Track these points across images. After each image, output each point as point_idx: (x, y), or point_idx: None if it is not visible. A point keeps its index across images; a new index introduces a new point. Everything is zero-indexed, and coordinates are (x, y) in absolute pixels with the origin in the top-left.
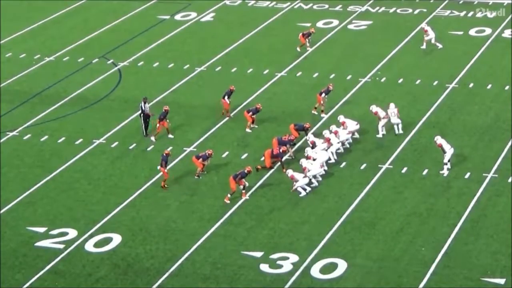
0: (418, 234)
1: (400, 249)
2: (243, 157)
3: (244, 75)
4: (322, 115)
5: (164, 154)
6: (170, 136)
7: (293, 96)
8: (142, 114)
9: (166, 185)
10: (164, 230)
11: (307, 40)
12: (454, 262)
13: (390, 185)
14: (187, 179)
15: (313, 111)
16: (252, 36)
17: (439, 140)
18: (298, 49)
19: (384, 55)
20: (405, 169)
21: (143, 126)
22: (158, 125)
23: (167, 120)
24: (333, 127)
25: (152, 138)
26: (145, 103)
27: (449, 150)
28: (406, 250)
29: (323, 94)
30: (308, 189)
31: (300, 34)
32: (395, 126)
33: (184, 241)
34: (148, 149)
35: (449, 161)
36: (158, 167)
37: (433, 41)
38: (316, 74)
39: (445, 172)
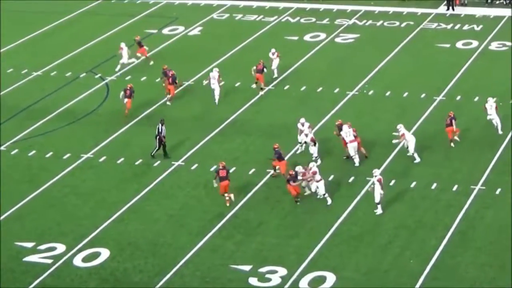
0: (406, 246)
1: (389, 262)
2: (231, 170)
3: (233, 88)
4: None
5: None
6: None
7: (281, 110)
8: (157, 136)
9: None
10: (153, 244)
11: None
12: (443, 275)
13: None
14: (176, 193)
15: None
16: (239, 50)
17: (402, 129)
18: (254, 85)
19: (372, 68)
20: (393, 181)
21: (157, 147)
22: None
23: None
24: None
25: (168, 103)
26: (162, 125)
27: (411, 140)
28: (395, 263)
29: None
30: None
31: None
32: (494, 124)
33: (172, 255)
34: (136, 163)
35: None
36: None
37: None
38: (303, 88)
39: (417, 159)
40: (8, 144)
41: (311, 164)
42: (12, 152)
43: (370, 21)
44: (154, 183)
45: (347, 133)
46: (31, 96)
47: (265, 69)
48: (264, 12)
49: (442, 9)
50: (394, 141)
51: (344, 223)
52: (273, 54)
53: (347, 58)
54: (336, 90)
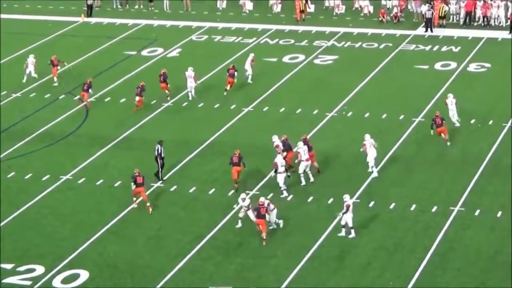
0: (385, 268)
1: (368, 283)
2: (210, 192)
3: (211, 110)
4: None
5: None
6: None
7: (260, 131)
8: (157, 157)
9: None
10: (132, 265)
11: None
12: None
13: (357, 219)
14: (154, 215)
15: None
16: (218, 71)
17: (367, 139)
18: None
19: (351, 89)
20: (372, 203)
21: (159, 168)
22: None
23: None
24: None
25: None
26: (161, 145)
27: (371, 153)
28: (374, 284)
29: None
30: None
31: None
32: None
33: (151, 276)
34: (116, 185)
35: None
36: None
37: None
38: (282, 109)
39: (374, 173)
40: None
41: (264, 200)
42: None
43: (348, 43)
44: (133, 204)
45: (304, 150)
46: (10, 117)
47: (236, 73)
48: (243, 34)
49: (421, 30)
50: (361, 150)
51: (322, 245)
52: (252, 61)
53: (326, 80)
54: (315, 112)
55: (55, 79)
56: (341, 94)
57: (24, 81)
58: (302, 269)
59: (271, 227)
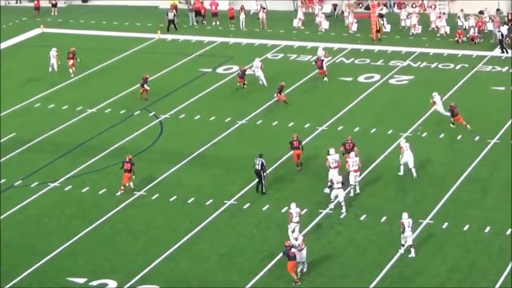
0: None
1: None
2: (283, 210)
3: (284, 127)
4: None
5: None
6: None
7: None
8: (259, 171)
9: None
10: (204, 282)
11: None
12: None
13: (430, 240)
14: (227, 232)
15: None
16: (293, 90)
17: (403, 143)
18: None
19: (426, 110)
20: (446, 224)
21: (262, 182)
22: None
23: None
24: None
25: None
26: (260, 157)
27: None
28: None
29: None
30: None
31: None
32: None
33: None
34: (189, 201)
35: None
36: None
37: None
38: (357, 128)
39: (414, 174)
40: (61, 180)
41: (296, 235)
42: (66, 188)
43: (424, 63)
44: (206, 221)
45: (353, 162)
46: (85, 133)
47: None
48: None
49: (497, 51)
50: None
51: (396, 266)
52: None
53: (401, 100)
54: (390, 132)
55: (71, 70)
56: (416, 114)
57: (50, 70)
58: None
59: (299, 269)
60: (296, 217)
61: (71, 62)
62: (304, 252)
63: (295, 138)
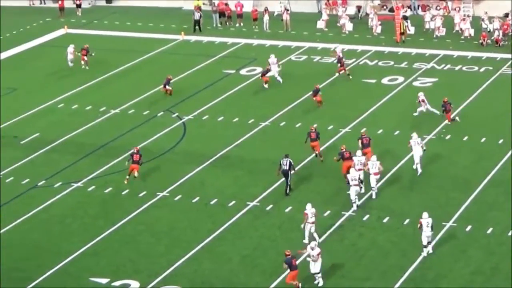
0: None
1: None
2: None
3: (307, 130)
4: None
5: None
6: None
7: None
8: (287, 171)
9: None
10: (226, 283)
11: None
12: None
13: (453, 243)
14: (249, 233)
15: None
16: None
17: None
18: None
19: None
20: (469, 227)
21: (288, 182)
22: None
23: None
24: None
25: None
26: (287, 157)
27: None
28: None
29: None
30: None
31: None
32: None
33: None
34: (212, 202)
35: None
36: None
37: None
38: (380, 131)
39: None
40: (85, 181)
41: (313, 244)
42: (89, 189)
43: (448, 65)
44: (228, 223)
45: (374, 164)
46: (108, 133)
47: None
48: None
49: None
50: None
51: (418, 268)
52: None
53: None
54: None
55: (83, 62)
56: (440, 117)
57: (70, 65)
58: None
59: (315, 282)
60: (312, 218)
61: (85, 58)
62: (319, 264)
63: (313, 130)
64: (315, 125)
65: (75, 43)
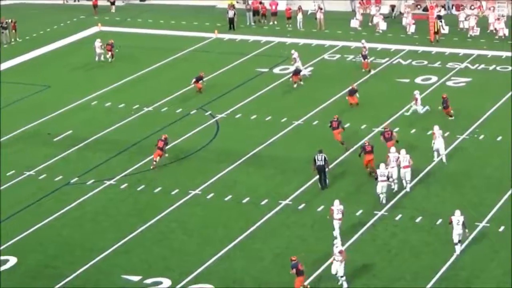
0: None
1: None
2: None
3: (344, 129)
4: None
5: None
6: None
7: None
8: (322, 167)
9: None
10: (258, 282)
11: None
12: None
13: (486, 243)
14: (281, 232)
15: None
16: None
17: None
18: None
19: (483, 112)
20: (502, 227)
21: (319, 179)
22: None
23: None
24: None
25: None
26: (321, 152)
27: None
28: None
29: None
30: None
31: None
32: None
33: None
34: (244, 201)
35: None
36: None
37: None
38: (413, 130)
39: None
40: (117, 178)
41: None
42: (122, 186)
43: (482, 65)
44: (261, 221)
45: (404, 158)
46: (141, 131)
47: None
48: (375, 54)
49: None
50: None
51: (451, 268)
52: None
53: (458, 102)
54: (446, 134)
55: (108, 55)
56: (473, 117)
57: (96, 60)
58: None
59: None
60: (338, 214)
61: (109, 54)
62: (343, 266)
63: (335, 119)
64: (337, 115)
65: (108, 41)
